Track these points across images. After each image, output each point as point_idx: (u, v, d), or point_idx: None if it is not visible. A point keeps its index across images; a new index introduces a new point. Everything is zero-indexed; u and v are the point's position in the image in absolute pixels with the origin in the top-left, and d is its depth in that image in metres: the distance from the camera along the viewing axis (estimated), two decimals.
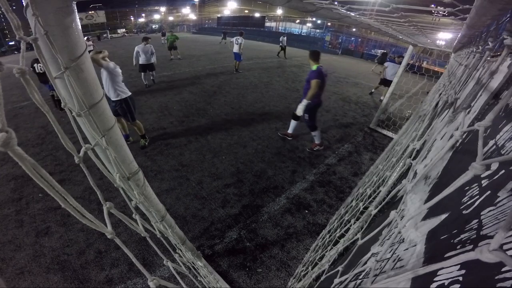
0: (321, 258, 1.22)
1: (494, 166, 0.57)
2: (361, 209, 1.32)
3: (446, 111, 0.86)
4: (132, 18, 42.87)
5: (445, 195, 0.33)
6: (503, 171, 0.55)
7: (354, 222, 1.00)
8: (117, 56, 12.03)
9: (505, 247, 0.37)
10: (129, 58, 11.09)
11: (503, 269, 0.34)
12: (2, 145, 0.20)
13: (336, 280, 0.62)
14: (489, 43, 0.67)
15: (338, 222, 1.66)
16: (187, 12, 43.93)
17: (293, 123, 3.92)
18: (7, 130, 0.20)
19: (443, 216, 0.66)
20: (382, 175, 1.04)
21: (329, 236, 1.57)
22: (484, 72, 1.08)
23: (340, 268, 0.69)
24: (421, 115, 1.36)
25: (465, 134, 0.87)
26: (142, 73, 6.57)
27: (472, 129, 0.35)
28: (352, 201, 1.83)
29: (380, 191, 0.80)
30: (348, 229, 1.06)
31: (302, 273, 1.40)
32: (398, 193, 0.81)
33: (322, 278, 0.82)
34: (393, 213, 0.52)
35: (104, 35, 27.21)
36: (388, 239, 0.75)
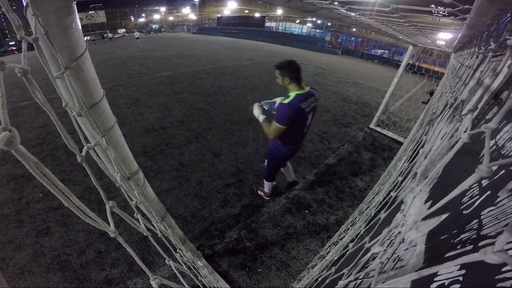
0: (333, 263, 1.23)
1: (495, 167, 0.57)
2: (372, 215, 1.32)
3: (447, 111, 0.86)
4: (132, 18, 42.90)
5: (451, 197, 0.33)
6: (503, 171, 0.56)
7: (365, 227, 1.01)
8: (117, 56, 12.03)
9: (506, 246, 0.37)
10: (130, 58, 11.11)
11: (503, 269, 0.34)
12: (5, 144, 0.20)
13: (341, 283, 0.62)
14: (492, 43, 0.68)
15: (351, 227, 1.67)
16: (187, 12, 43.97)
17: (269, 184, 2.62)
18: (10, 129, 0.20)
19: (443, 216, 0.67)
20: (394, 180, 1.05)
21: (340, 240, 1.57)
22: (485, 72, 1.09)
23: (345, 270, 0.69)
24: (431, 119, 1.36)
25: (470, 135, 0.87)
26: None
27: (480, 131, 0.35)
28: (365, 208, 1.84)
29: (391, 196, 0.80)
30: (359, 233, 1.07)
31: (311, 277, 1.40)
32: (398, 194, 0.81)
33: (327, 281, 0.82)
34: (399, 216, 0.52)
35: (111, 35, 27.29)
36: (388, 239, 0.75)
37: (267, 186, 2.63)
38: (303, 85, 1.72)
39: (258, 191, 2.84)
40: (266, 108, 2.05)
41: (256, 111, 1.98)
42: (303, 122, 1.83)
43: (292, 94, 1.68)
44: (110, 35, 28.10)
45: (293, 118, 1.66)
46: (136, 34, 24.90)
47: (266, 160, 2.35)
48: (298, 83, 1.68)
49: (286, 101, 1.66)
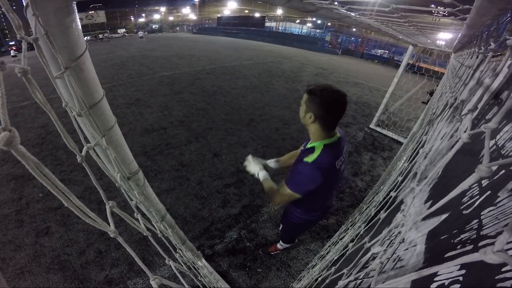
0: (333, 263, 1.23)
1: (494, 167, 0.57)
2: (372, 215, 1.33)
3: (447, 111, 0.86)
4: (132, 18, 42.91)
5: (451, 197, 0.33)
6: (503, 171, 0.56)
7: (365, 227, 1.01)
8: (117, 56, 12.03)
9: (506, 246, 0.37)
10: (130, 58, 11.11)
11: (503, 269, 0.34)
12: (5, 144, 0.20)
13: (341, 283, 0.62)
14: (492, 43, 0.68)
15: (351, 227, 1.67)
16: (187, 12, 43.97)
17: (287, 246, 2.09)
18: (10, 129, 0.20)
19: (444, 216, 0.67)
20: (394, 180, 1.05)
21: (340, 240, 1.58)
22: (485, 72, 1.09)
23: (345, 270, 0.69)
24: (431, 119, 1.36)
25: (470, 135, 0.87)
26: None
27: (480, 131, 0.35)
28: (365, 208, 1.84)
29: (391, 196, 0.80)
30: (359, 233, 1.07)
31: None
32: (398, 194, 0.82)
33: (327, 281, 0.82)
34: (399, 216, 0.52)
35: (102, 36, 26.88)
36: (388, 239, 0.75)
37: (285, 248, 2.10)
38: (332, 133, 1.09)
39: (271, 253, 2.16)
40: (272, 166, 1.50)
41: (253, 167, 1.40)
42: (334, 182, 1.28)
43: (317, 146, 1.06)
44: (101, 35, 26.99)
45: (318, 184, 1.03)
46: (140, 33, 24.81)
47: (281, 225, 1.75)
48: (329, 128, 1.06)
49: (310, 158, 1.04)
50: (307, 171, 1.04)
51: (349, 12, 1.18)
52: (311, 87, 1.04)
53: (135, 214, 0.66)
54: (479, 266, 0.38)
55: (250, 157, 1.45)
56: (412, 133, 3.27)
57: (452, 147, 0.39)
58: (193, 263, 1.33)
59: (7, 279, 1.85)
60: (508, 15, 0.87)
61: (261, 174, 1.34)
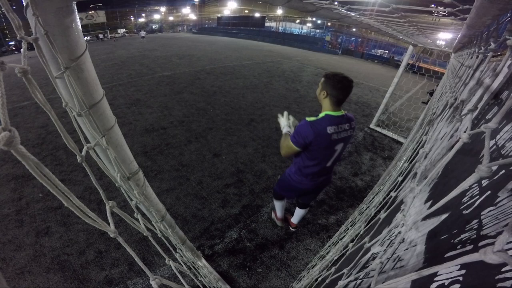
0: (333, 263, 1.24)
1: (494, 167, 0.57)
2: (372, 215, 1.33)
3: (447, 111, 0.86)
4: (132, 18, 42.89)
5: (451, 197, 0.33)
6: (503, 171, 0.56)
7: (365, 227, 1.01)
8: (117, 56, 12.03)
9: (506, 246, 0.37)
10: (130, 58, 11.11)
11: (503, 269, 0.34)
12: (5, 144, 0.20)
13: (341, 283, 0.62)
14: (492, 43, 0.68)
15: (351, 227, 1.68)
16: (187, 12, 43.98)
17: (277, 203, 2.22)
18: (10, 129, 0.20)
19: (443, 216, 0.67)
20: (394, 180, 1.05)
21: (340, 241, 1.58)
22: (485, 72, 1.09)
23: (345, 270, 0.69)
24: (431, 119, 1.36)
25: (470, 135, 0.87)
26: None
27: (480, 131, 0.35)
28: (365, 208, 1.84)
29: (391, 196, 0.80)
30: (359, 233, 1.07)
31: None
32: (398, 194, 0.82)
33: (327, 281, 0.82)
34: (399, 216, 0.52)
35: (102, 36, 26.83)
36: (388, 239, 0.75)
37: (276, 206, 2.25)
38: (340, 108, 1.38)
39: (272, 215, 2.54)
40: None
41: (284, 121, 1.63)
42: (327, 152, 1.45)
43: (322, 114, 1.37)
44: (101, 35, 26.99)
45: (310, 141, 1.34)
46: (142, 33, 24.63)
47: (279, 176, 1.90)
48: (335, 104, 1.34)
49: (311, 118, 1.35)
50: (303, 126, 1.35)
51: (349, 12, 1.18)
52: (327, 72, 1.36)
53: (135, 214, 0.66)
54: (479, 266, 0.38)
55: (286, 113, 1.68)
56: (412, 134, 3.28)
57: (452, 147, 0.39)
58: (193, 263, 1.33)
59: (7, 279, 1.85)
60: (508, 15, 0.87)
61: (286, 129, 1.59)
